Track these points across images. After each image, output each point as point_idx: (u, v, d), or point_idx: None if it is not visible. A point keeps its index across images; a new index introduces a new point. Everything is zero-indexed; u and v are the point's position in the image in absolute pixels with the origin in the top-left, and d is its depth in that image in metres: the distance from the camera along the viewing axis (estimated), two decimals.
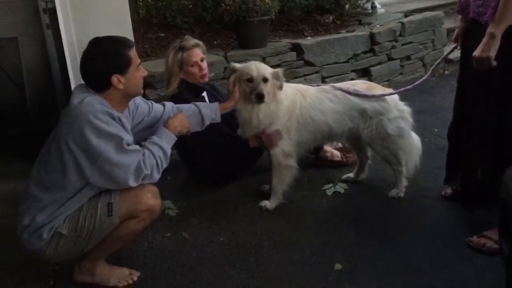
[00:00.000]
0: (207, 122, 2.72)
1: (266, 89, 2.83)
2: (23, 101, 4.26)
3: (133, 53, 2.24)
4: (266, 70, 2.90)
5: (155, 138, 2.29)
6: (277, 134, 2.95)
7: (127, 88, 2.23)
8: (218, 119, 2.79)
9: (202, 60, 3.22)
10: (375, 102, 2.99)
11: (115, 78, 2.18)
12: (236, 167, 3.38)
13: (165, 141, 2.31)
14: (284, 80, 2.91)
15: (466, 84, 2.67)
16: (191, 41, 3.23)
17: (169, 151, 2.32)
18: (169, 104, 2.66)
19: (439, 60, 3.10)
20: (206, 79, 3.27)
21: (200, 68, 3.20)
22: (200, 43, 3.29)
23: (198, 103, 2.75)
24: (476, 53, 2.39)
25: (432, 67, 3.10)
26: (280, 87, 2.90)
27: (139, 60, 2.29)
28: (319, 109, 2.98)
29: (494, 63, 2.34)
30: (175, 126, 2.42)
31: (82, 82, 2.42)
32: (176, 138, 2.40)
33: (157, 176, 2.24)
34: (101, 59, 2.17)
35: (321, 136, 3.09)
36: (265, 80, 2.85)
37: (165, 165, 2.29)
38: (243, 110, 2.94)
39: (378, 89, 3.09)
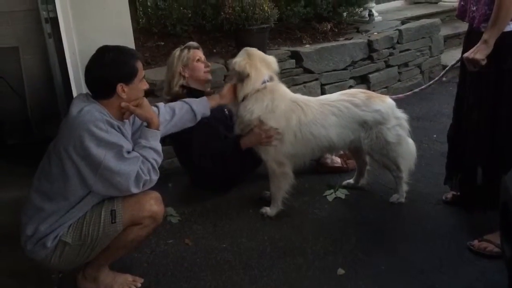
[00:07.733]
0: (199, 118, 2.81)
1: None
2: (24, 110, 4.26)
3: (139, 65, 2.28)
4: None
5: (142, 142, 2.27)
6: (273, 130, 2.93)
7: (129, 98, 2.25)
8: (208, 113, 2.89)
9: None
10: (375, 112, 2.99)
11: (119, 87, 2.20)
12: (236, 172, 3.38)
13: (153, 140, 2.30)
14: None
15: (465, 87, 2.71)
16: (195, 43, 3.33)
17: (159, 147, 2.31)
18: (161, 107, 2.68)
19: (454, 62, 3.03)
20: (209, 77, 3.28)
21: (206, 65, 3.26)
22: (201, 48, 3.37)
23: (187, 100, 2.82)
24: (465, 54, 2.47)
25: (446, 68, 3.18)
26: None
27: (143, 73, 2.32)
28: (322, 124, 2.96)
29: (484, 62, 2.38)
30: (154, 123, 2.35)
31: (84, 91, 2.43)
32: (160, 131, 2.38)
33: (155, 177, 2.25)
34: (109, 65, 2.19)
35: (320, 151, 3.10)
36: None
37: (160, 161, 2.29)
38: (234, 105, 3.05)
39: (377, 98, 3.07)
